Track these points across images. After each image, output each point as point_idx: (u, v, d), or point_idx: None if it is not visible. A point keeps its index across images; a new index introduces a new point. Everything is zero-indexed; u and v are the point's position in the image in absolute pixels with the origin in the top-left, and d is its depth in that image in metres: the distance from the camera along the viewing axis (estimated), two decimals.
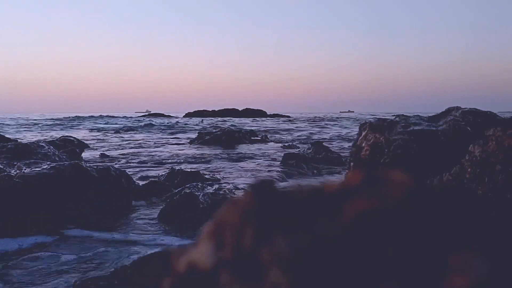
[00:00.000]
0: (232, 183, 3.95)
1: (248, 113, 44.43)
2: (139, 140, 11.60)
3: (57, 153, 4.37)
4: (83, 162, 3.56)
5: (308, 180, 4.91)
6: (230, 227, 0.35)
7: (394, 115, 2.60)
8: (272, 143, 10.54)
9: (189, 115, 43.01)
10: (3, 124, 21.00)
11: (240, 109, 46.36)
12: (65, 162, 3.25)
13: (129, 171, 3.83)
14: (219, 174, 4.85)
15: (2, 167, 3.01)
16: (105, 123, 19.15)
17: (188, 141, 10.45)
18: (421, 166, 2.16)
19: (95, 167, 3.37)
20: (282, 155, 6.19)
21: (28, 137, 12.57)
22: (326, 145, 6.97)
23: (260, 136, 11.86)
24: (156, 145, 9.99)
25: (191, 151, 8.64)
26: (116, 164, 5.55)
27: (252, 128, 15.28)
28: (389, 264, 0.28)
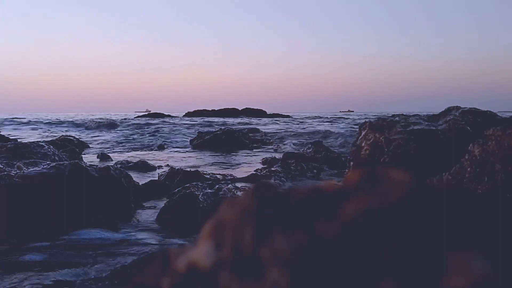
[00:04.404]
0: (232, 183, 3.95)
1: (248, 112, 44.40)
2: (137, 140, 11.59)
3: (57, 153, 4.37)
4: (83, 162, 3.56)
5: (307, 179, 4.91)
6: (229, 227, 0.35)
7: (393, 115, 2.60)
8: (271, 142, 10.55)
9: (189, 114, 42.96)
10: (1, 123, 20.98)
11: (240, 108, 46.35)
12: (65, 162, 3.25)
13: (127, 171, 3.83)
14: (219, 174, 4.84)
15: (1, 166, 3.01)
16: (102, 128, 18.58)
17: (188, 140, 10.47)
18: (420, 165, 2.17)
19: (95, 166, 3.37)
20: (282, 154, 6.19)
21: (26, 136, 12.56)
22: (326, 144, 6.97)
23: (260, 135, 11.86)
24: (156, 145, 9.99)
25: (192, 152, 8.65)
26: (115, 164, 5.55)
27: (252, 127, 15.27)
28: (388, 263, 0.28)
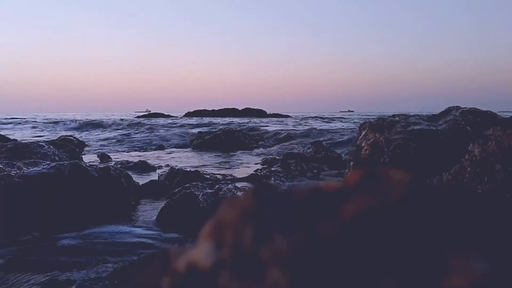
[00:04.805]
0: (232, 183, 3.95)
1: (248, 112, 44.48)
2: (137, 140, 11.59)
3: (57, 153, 4.37)
4: (82, 162, 3.56)
5: (307, 179, 4.91)
6: (229, 227, 0.35)
7: (393, 115, 2.60)
8: (271, 142, 10.55)
9: (189, 114, 43.00)
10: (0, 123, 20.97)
11: (240, 108, 46.43)
12: (65, 162, 3.25)
13: (127, 171, 3.83)
14: (219, 174, 4.85)
15: (1, 166, 3.01)
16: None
17: (188, 140, 10.48)
18: (420, 165, 2.17)
19: (95, 166, 3.37)
20: (282, 154, 6.19)
21: (20, 136, 12.56)
22: (326, 144, 6.96)
23: (260, 135, 11.86)
24: (156, 145, 9.98)
25: (192, 152, 8.66)
26: (115, 164, 5.55)
27: (252, 127, 15.28)
28: (389, 263, 0.28)
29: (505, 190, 1.69)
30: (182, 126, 17.68)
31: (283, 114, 44.63)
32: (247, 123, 21.89)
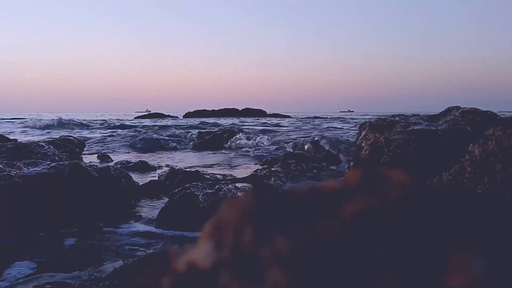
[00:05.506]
0: (232, 183, 3.95)
1: (248, 112, 44.53)
2: (136, 140, 11.58)
3: (57, 153, 4.37)
4: (82, 162, 3.56)
5: (307, 179, 4.91)
6: (229, 227, 0.35)
7: (393, 115, 2.60)
8: (271, 142, 10.54)
9: (189, 115, 42.99)
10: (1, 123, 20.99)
11: (240, 108, 46.48)
12: (65, 162, 3.25)
13: (127, 171, 3.83)
14: (219, 174, 4.84)
15: (1, 166, 3.01)
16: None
17: (187, 140, 10.48)
18: (420, 165, 2.17)
19: (95, 166, 3.37)
20: (282, 154, 6.19)
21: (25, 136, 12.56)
22: (325, 144, 6.96)
23: (260, 135, 11.85)
24: (156, 145, 9.98)
25: (192, 152, 8.65)
26: (115, 164, 5.55)
27: (252, 127, 15.28)
28: (389, 263, 0.28)
29: (505, 190, 1.69)
30: (182, 126, 17.68)
31: (283, 114, 44.63)
32: (247, 122, 21.90)
